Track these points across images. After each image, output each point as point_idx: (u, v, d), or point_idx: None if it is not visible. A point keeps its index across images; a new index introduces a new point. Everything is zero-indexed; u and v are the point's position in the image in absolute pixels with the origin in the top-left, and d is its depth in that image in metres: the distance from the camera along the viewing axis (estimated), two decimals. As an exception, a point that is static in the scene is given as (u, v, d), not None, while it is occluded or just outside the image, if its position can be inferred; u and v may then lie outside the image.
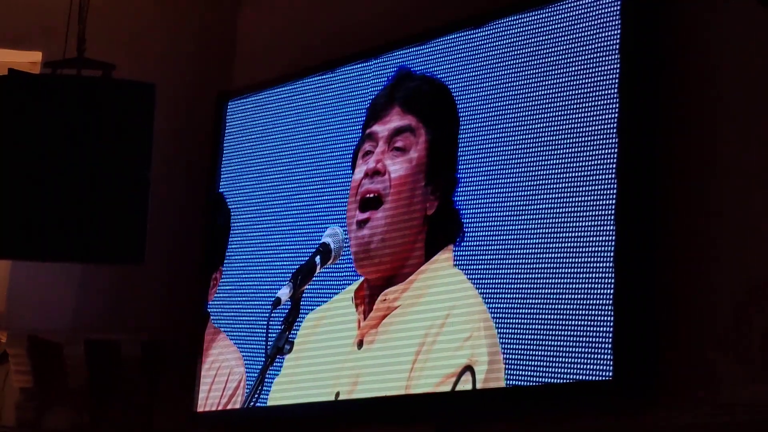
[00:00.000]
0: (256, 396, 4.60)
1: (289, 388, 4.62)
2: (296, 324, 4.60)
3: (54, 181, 4.57)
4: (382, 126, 4.49)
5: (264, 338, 4.60)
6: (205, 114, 5.39)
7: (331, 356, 4.51)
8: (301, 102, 4.95)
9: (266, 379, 4.60)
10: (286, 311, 4.59)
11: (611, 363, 3.67)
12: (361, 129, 4.63)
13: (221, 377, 4.95)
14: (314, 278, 4.60)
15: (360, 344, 4.43)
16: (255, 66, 5.42)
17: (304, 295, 4.60)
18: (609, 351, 3.69)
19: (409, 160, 4.38)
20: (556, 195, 3.93)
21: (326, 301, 4.60)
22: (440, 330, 4.15)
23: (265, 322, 4.62)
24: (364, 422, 4.49)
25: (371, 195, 4.45)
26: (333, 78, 4.82)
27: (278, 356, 4.57)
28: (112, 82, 4.66)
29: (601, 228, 3.79)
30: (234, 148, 5.20)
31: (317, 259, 4.57)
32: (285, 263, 4.78)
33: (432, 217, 4.30)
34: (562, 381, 3.78)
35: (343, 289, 4.54)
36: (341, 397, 4.44)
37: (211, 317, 5.07)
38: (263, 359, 4.58)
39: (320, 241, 4.61)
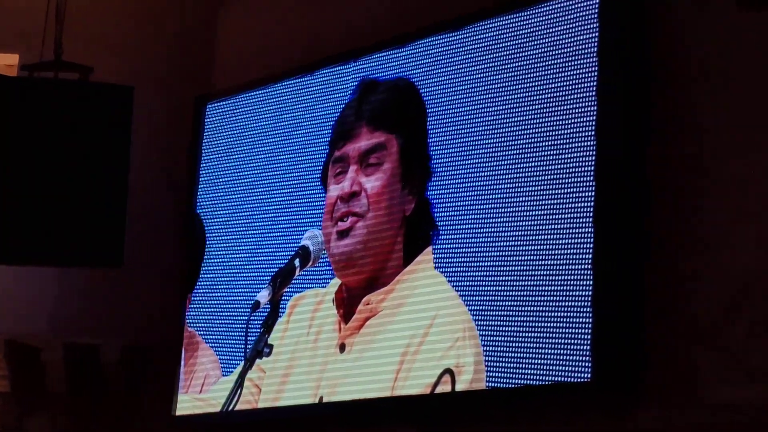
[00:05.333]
0: (235, 399, 4.59)
1: (270, 390, 4.62)
2: (275, 327, 4.59)
3: (31, 185, 4.56)
4: (352, 145, 4.49)
5: (243, 341, 4.59)
6: (184, 117, 5.38)
7: (311, 359, 4.51)
8: (279, 104, 4.94)
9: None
10: (266, 314, 4.59)
11: (590, 364, 3.67)
12: (328, 145, 4.62)
13: (198, 381, 4.94)
14: (293, 281, 4.60)
15: (342, 347, 4.42)
16: (234, 69, 5.40)
17: (282, 298, 4.60)
18: (588, 352, 3.69)
19: (383, 171, 4.38)
20: (534, 195, 3.93)
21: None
22: (423, 339, 4.15)
23: (244, 326, 4.62)
24: (345, 425, 4.48)
25: (349, 217, 4.43)
26: (311, 81, 4.82)
27: (257, 359, 4.57)
28: (90, 85, 4.66)
29: (579, 227, 3.79)
30: (213, 151, 5.19)
31: (296, 262, 4.57)
32: (263, 266, 4.77)
33: (410, 217, 4.30)
34: (541, 383, 3.78)
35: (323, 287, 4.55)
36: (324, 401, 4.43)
37: (188, 321, 5.06)
38: (242, 362, 4.57)
39: (299, 244, 4.60)
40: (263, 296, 4.58)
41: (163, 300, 5.33)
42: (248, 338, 4.59)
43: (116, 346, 5.49)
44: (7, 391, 5.56)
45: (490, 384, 3.91)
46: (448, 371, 4.02)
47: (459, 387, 4.00)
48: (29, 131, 4.57)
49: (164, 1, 5.67)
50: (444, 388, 4.02)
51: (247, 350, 4.55)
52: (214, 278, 5.01)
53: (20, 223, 4.57)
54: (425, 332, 4.15)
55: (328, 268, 4.52)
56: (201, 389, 4.89)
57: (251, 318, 4.58)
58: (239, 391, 4.55)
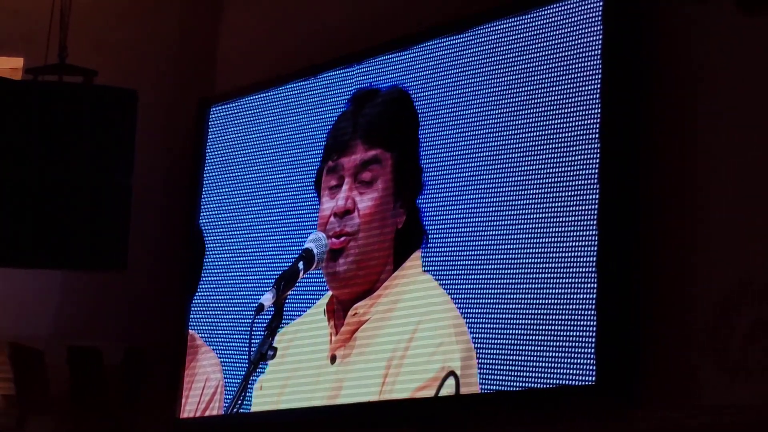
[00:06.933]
0: (239, 402, 4.59)
1: (266, 401, 4.63)
2: (279, 329, 4.60)
3: (35, 188, 4.56)
4: (347, 159, 4.49)
5: (247, 344, 4.59)
6: (188, 120, 5.38)
7: (305, 371, 4.52)
8: (283, 107, 4.94)
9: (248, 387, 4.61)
10: (269, 317, 4.59)
11: (594, 368, 3.68)
12: (322, 151, 4.63)
13: (198, 384, 4.94)
14: (297, 284, 4.60)
15: (333, 359, 4.43)
16: (237, 71, 5.41)
17: (287, 300, 4.60)
18: (592, 356, 3.69)
19: (376, 190, 4.39)
20: (539, 199, 3.92)
21: (303, 312, 4.59)
22: (409, 343, 4.15)
23: (248, 329, 4.61)
24: (342, 429, 4.49)
25: (342, 237, 4.44)
26: (315, 83, 4.82)
27: (261, 362, 4.57)
28: (94, 89, 4.66)
29: (584, 232, 3.79)
30: (216, 154, 5.19)
31: (300, 264, 4.56)
32: (266, 269, 4.78)
33: (401, 229, 4.31)
34: (543, 386, 3.77)
35: (323, 295, 4.55)
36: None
37: (191, 324, 5.07)
38: (246, 365, 4.57)
39: (303, 247, 4.61)
40: (267, 299, 4.57)
41: (166, 303, 5.34)
42: (252, 341, 4.58)
43: (119, 349, 5.49)
44: (12, 393, 5.56)
45: (484, 387, 3.91)
46: (453, 374, 4.01)
47: (445, 391, 4.00)
48: (33, 134, 4.57)
49: (167, 4, 5.68)
50: (448, 391, 4.02)
51: (251, 353, 4.55)
52: (218, 281, 5.01)
53: (24, 225, 4.57)
54: (411, 336, 4.16)
55: (323, 281, 4.53)
56: (206, 405, 4.90)
57: (255, 321, 4.59)
58: (243, 394, 4.56)
